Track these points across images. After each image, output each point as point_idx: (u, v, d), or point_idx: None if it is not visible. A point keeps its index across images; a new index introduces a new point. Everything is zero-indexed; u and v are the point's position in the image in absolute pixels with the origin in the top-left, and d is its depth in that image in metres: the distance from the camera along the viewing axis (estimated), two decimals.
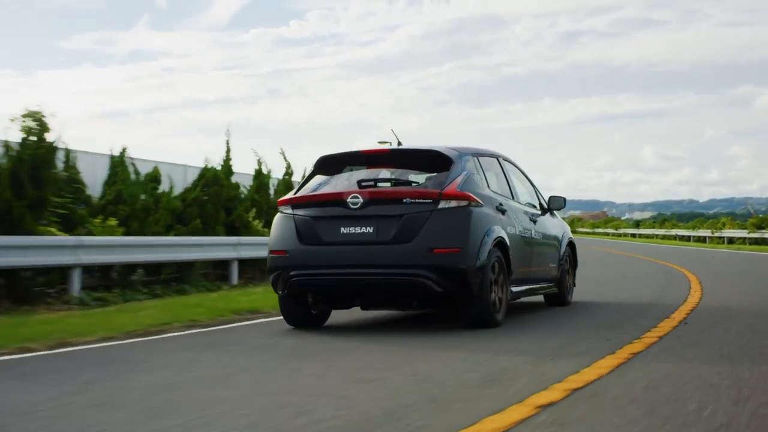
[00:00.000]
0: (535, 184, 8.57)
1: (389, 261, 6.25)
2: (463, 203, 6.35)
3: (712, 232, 42.12)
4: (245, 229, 13.81)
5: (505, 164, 7.83)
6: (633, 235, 58.51)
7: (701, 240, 42.90)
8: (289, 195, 6.88)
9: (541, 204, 8.44)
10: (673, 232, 49.15)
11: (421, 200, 6.29)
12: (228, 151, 14.10)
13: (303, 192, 6.81)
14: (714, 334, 5.84)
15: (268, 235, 6.94)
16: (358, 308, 6.95)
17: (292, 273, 6.51)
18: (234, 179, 14.31)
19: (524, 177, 8.38)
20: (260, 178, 15.21)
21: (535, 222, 7.83)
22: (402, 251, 6.21)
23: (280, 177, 15.84)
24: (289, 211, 6.69)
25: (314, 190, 6.79)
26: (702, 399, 3.50)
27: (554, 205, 8.59)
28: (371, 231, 6.32)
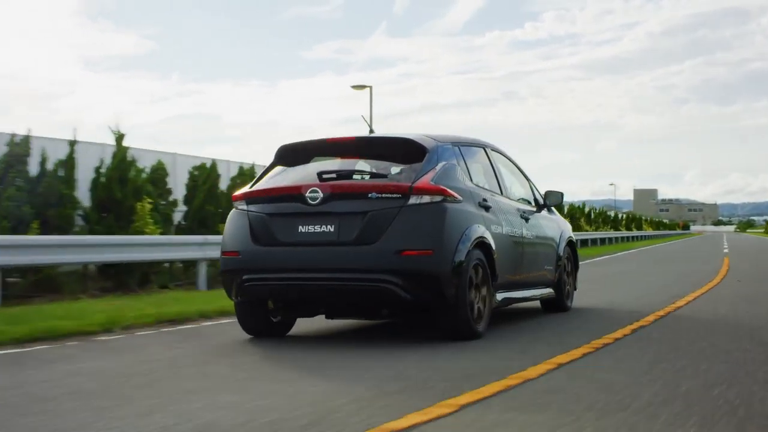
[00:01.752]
0: (529, 177, 7.72)
1: (352, 264, 5.45)
2: (437, 198, 5.54)
3: None
4: None
5: (494, 155, 6.99)
6: None
7: None
8: (245, 189, 6.11)
9: (536, 200, 7.60)
10: None
11: (389, 195, 5.49)
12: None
13: (259, 185, 6.03)
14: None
15: None
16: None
17: (244, 277, 5.74)
18: None
19: (517, 170, 7.54)
20: None
21: (527, 220, 6.98)
22: (366, 253, 5.41)
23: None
24: (244, 207, 5.92)
25: (272, 183, 6.02)
26: None
27: (551, 200, 7.73)
28: (332, 230, 5.53)
